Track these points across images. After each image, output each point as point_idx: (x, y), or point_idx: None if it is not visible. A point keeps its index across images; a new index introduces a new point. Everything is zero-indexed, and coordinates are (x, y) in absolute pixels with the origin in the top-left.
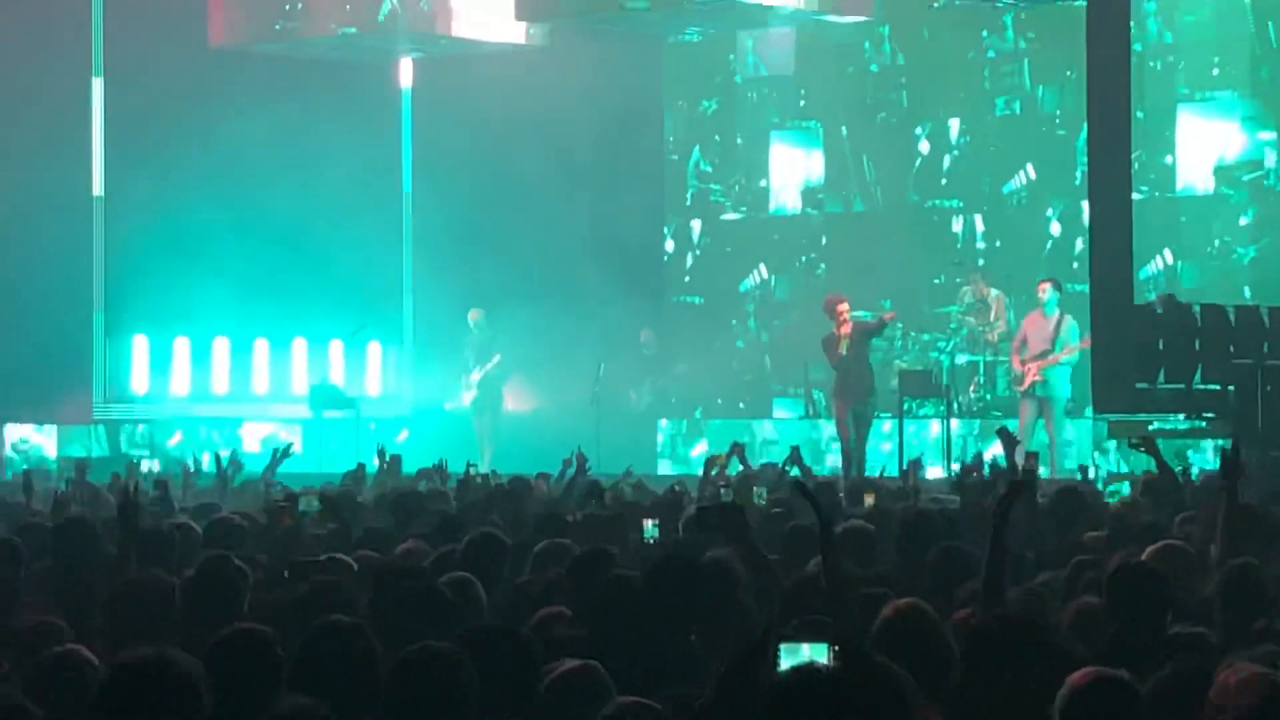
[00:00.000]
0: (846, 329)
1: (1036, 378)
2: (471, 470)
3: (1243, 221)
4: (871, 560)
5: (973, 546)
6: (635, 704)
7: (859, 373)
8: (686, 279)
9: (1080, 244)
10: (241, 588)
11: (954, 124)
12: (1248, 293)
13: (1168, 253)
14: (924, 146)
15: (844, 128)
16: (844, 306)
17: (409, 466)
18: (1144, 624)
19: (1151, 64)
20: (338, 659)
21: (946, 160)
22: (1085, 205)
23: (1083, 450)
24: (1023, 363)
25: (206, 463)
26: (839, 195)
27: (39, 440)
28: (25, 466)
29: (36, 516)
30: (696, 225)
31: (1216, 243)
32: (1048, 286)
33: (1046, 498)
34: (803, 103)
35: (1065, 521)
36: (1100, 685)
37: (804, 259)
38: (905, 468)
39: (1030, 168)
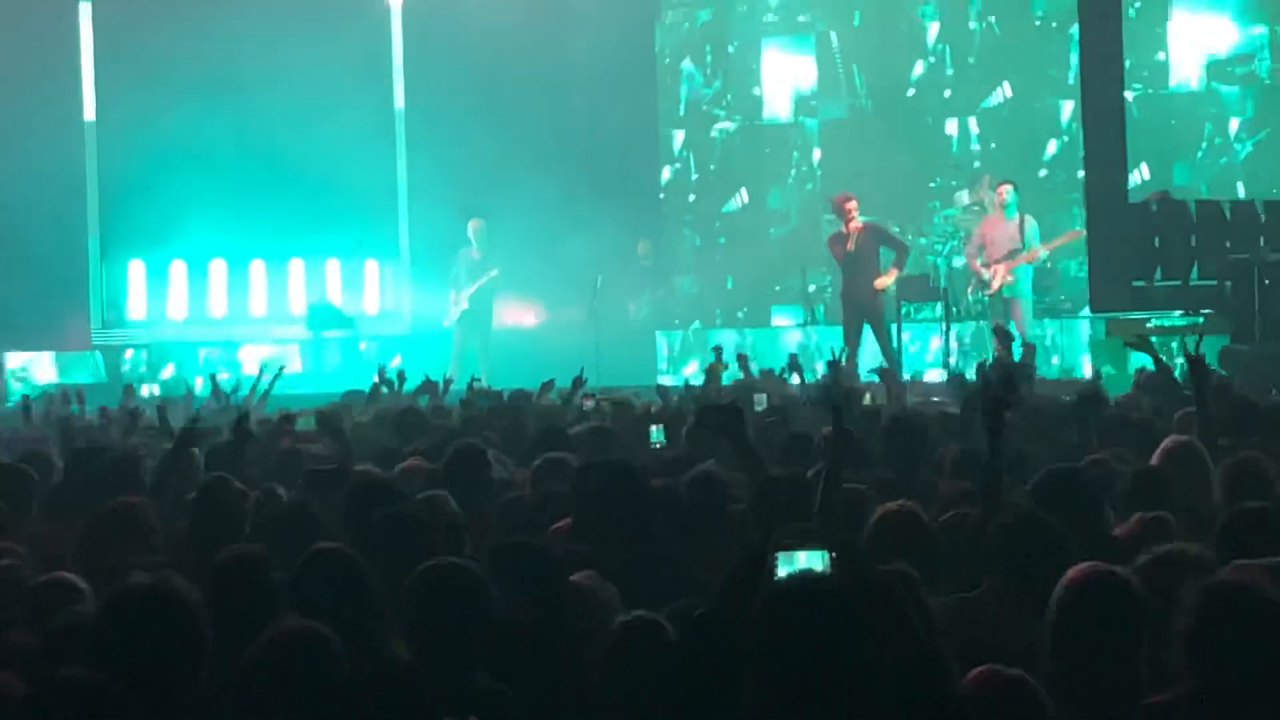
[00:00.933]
0: (855, 225)
1: (1008, 278)
2: (475, 384)
3: (1234, 122)
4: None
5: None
6: (639, 617)
7: (866, 271)
8: (690, 196)
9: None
10: (242, 510)
11: (932, 28)
12: (1241, 190)
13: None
14: (920, 50)
15: (833, 33)
16: (852, 205)
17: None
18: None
19: None
20: (331, 582)
21: (939, 63)
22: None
23: (1075, 350)
24: (986, 265)
25: (200, 386)
26: (832, 101)
27: (39, 370)
28: (24, 393)
29: (40, 443)
30: (679, 136)
31: (1209, 141)
32: (1008, 188)
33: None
34: (795, 7)
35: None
36: (1096, 579)
37: (797, 167)
38: (881, 371)
39: (1007, 85)
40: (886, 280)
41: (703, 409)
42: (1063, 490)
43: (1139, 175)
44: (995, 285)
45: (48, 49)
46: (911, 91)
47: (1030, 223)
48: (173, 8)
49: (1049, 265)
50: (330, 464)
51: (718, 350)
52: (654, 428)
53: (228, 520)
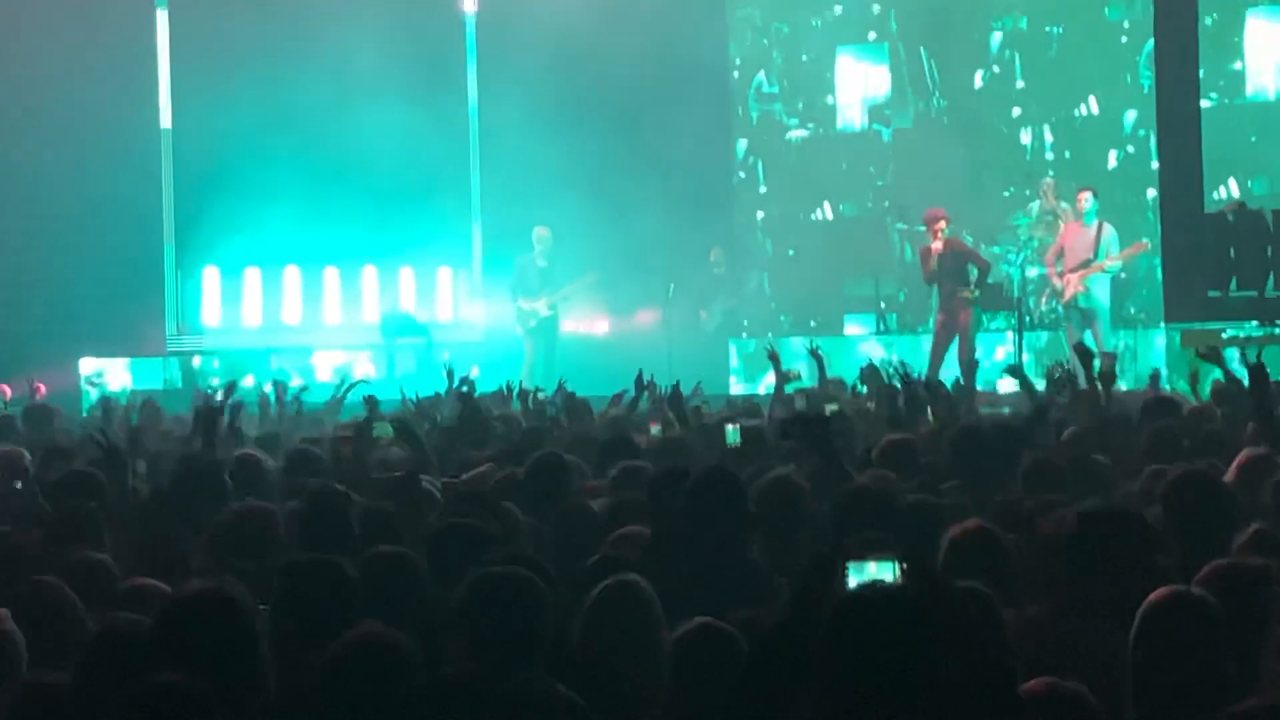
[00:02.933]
0: (938, 245)
1: (1079, 288)
2: (540, 394)
3: None
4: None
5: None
6: (708, 625)
7: (951, 286)
8: (760, 200)
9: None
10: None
11: (996, 37)
12: None
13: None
14: (993, 59)
15: (902, 43)
16: (940, 224)
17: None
18: (1206, 536)
19: None
20: (398, 587)
21: (1015, 73)
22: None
23: (1153, 359)
24: (1060, 275)
25: (268, 392)
26: (905, 110)
27: (113, 375)
28: (101, 396)
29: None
30: (745, 143)
31: None
32: (1088, 195)
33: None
34: (869, 21)
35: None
36: (1178, 603)
37: (870, 172)
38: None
39: (1093, 100)
40: (968, 295)
41: (786, 420)
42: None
43: (1223, 191)
44: (1067, 295)
45: (125, 55)
46: (984, 100)
47: (1108, 231)
48: (250, 16)
49: (1122, 276)
50: (409, 470)
51: (773, 356)
52: (730, 427)
53: (338, 527)
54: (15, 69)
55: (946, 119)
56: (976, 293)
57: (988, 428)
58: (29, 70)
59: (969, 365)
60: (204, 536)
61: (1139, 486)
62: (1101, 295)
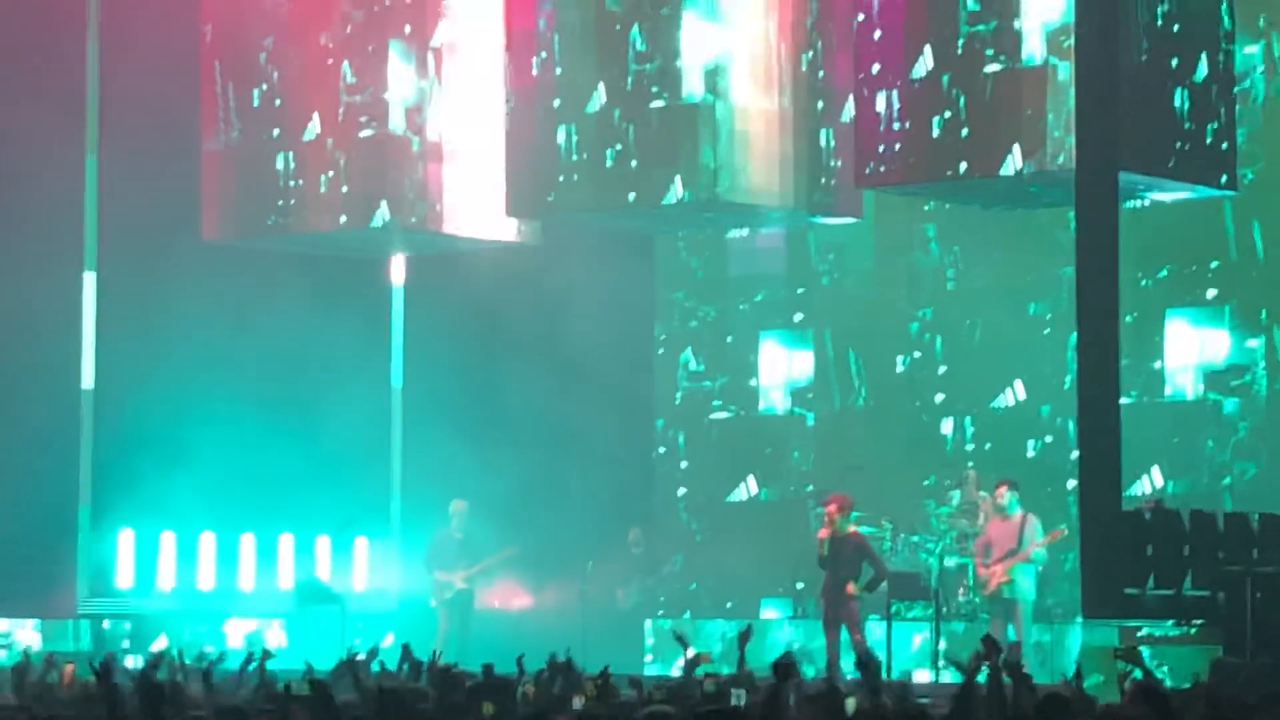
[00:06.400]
0: (824, 532)
1: (1004, 579)
2: (453, 668)
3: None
4: None
5: None
6: None
7: (840, 576)
8: (682, 477)
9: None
10: None
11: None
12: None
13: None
14: (914, 349)
15: (829, 330)
16: (829, 509)
17: (392, 663)
18: None
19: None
20: None
21: (936, 362)
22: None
23: (1068, 656)
24: (986, 566)
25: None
26: (827, 395)
27: (22, 636)
28: (7, 662)
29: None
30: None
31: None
32: (1004, 490)
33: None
34: (794, 305)
35: None
36: None
37: (793, 458)
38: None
39: (1019, 385)
40: (852, 590)
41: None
42: None
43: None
44: (991, 587)
45: (50, 315)
46: (905, 388)
47: (1031, 522)
48: (176, 281)
49: (1039, 570)
50: None
51: (680, 638)
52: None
53: None
54: None
55: (867, 406)
56: (860, 593)
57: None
58: None
59: (867, 662)
60: None
61: None
62: (1026, 586)
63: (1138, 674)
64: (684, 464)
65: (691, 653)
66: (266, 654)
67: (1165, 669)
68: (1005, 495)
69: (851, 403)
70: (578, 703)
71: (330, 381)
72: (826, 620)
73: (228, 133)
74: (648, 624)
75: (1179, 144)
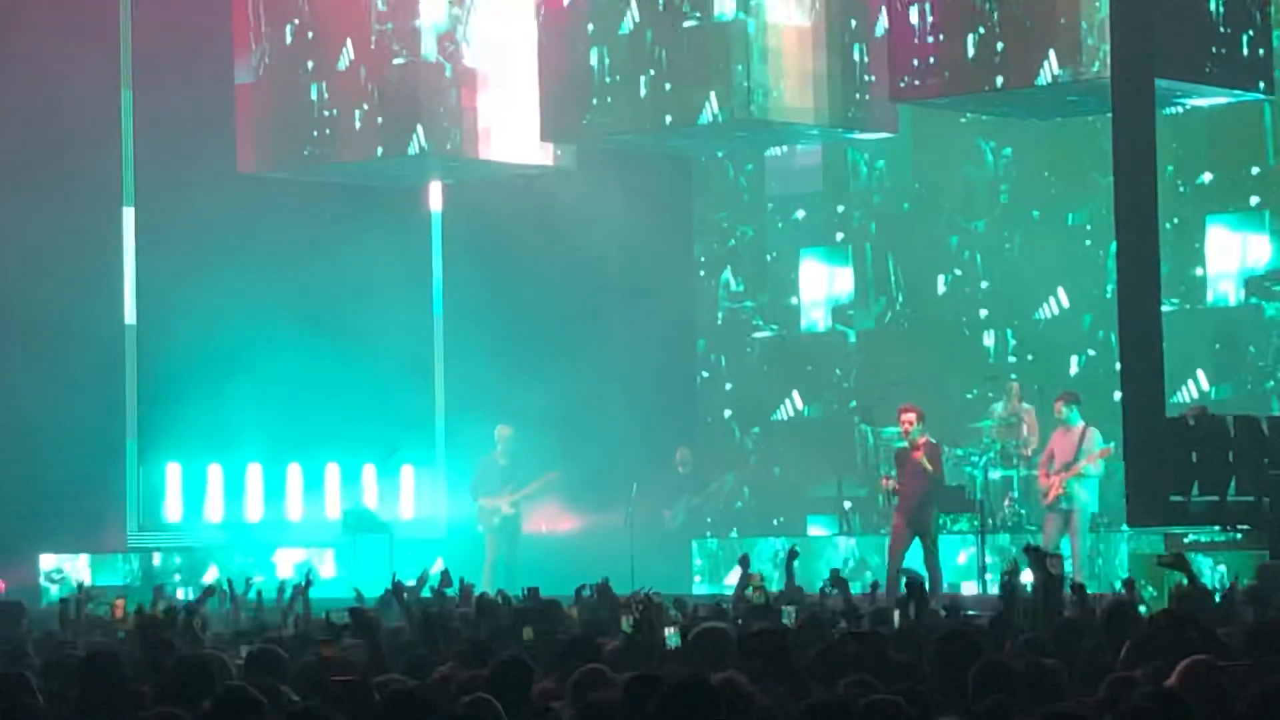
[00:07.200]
0: (910, 440)
1: (1060, 490)
2: (499, 595)
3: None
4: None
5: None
6: None
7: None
8: (726, 399)
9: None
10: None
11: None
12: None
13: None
14: (955, 265)
15: (869, 245)
16: (908, 417)
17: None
18: None
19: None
20: None
21: (977, 274)
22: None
23: (1118, 565)
24: (1048, 475)
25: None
26: (868, 311)
27: (73, 572)
28: (61, 595)
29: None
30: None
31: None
32: (1060, 405)
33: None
34: (833, 221)
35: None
36: None
37: (835, 375)
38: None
39: (1062, 292)
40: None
41: (743, 638)
42: None
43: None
44: (1050, 497)
45: (90, 252)
46: (946, 303)
47: (1092, 433)
48: (214, 214)
49: (1100, 480)
50: (357, 674)
51: (744, 560)
52: (669, 630)
53: None
54: None
55: (909, 322)
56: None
57: (960, 631)
58: None
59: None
60: None
61: (1103, 694)
62: (1086, 498)
63: (1183, 580)
64: (728, 385)
65: (739, 573)
66: (309, 582)
67: (1222, 570)
68: (1064, 409)
69: (893, 318)
70: (626, 624)
71: (371, 310)
72: (897, 532)
73: (261, 64)
74: (694, 544)
75: (1215, 49)
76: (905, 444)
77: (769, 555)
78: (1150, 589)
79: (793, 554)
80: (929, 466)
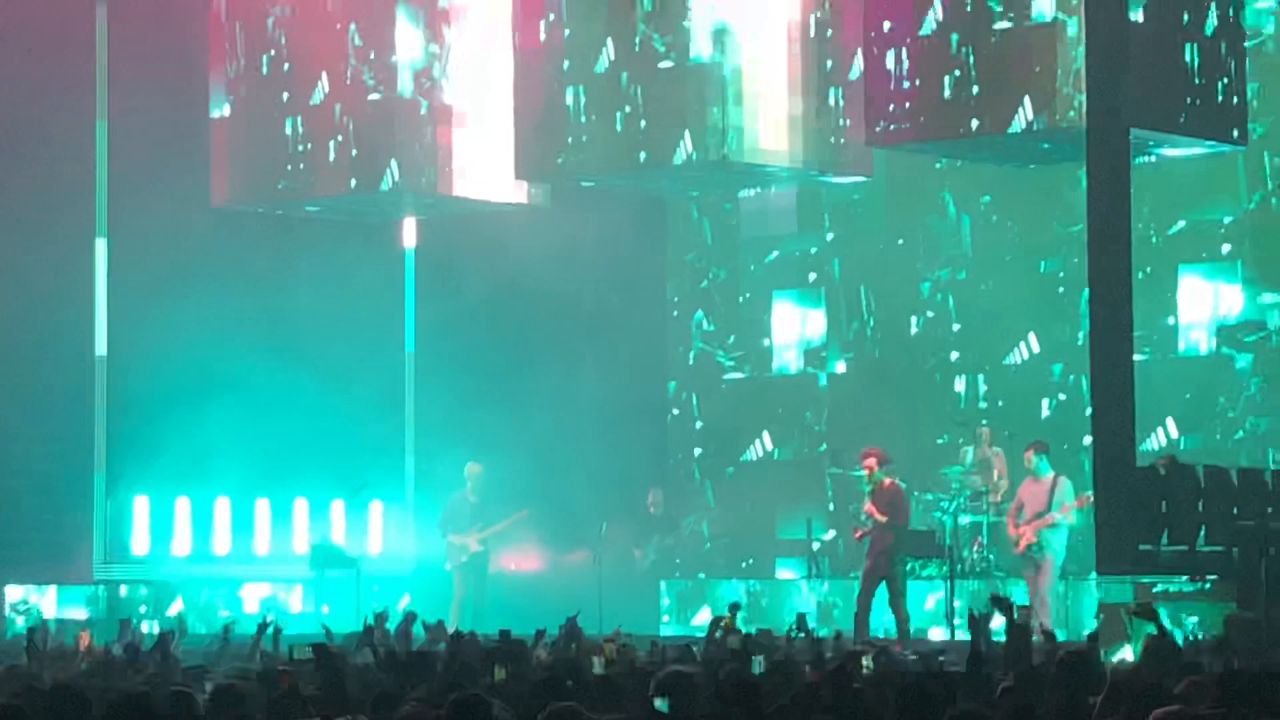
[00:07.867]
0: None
1: (1031, 539)
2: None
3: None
4: None
5: None
6: None
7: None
8: (697, 438)
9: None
10: None
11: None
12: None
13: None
14: (927, 308)
15: (841, 288)
16: (869, 462)
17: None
18: None
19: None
20: None
21: (949, 319)
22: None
23: (1086, 615)
24: (1017, 526)
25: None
26: (839, 354)
27: (37, 600)
28: (26, 626)
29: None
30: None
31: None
32: (1030, 454)
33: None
34: (806, 263)
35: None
36: None
37: (805, 417)
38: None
39: (1033, 337)
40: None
41: (720, 686)
42: None
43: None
44: (1020, 547)
45: (63, 283)
46: (918, 347)
47: (1063, 482)
48: (187, 246)
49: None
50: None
51: (733, 608)
52: (657, 700)
53: None
54: None
55: (881, 365)
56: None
57: (923, 679)
58: None
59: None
60: None
61: None
62: (1056, 547)
63: (1152, 629)
64: (698, 424)
65: (708, 613)
66: (277, 629)
67: (1193, 621)
68: (1033, 459)
69: (864, 361)
70: (598, 665)
71: (342, 345)
72: (867, 574)
73: (236, 98)
74: (663, 584)
75: (1189, 100)
76: (869, 488)
77: (734, 595)
78: (1121, 642)
79: (734, 609)
80: (880, 517)
